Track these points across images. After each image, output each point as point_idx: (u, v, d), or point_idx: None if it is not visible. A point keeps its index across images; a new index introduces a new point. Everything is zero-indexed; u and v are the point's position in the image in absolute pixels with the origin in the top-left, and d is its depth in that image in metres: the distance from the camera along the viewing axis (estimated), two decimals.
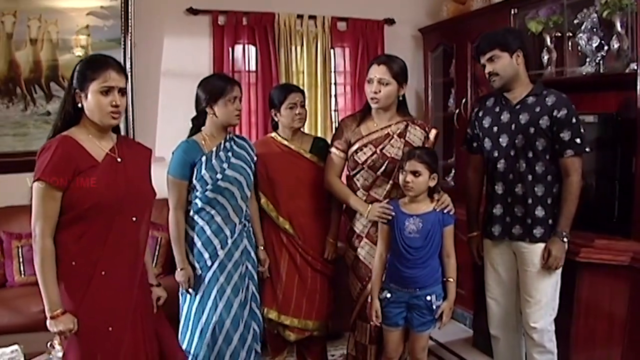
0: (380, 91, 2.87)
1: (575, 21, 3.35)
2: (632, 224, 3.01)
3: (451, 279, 2.78)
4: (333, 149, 3.05)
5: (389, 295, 2.77)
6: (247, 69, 4.55)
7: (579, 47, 3.36)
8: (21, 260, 3.71)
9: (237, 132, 4.43)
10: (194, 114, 2.95)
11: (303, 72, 4.67)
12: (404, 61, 2.98)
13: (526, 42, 2.90)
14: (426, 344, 2.86)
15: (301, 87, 4.52)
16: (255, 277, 3.00)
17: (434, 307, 2.72)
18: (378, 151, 2.90)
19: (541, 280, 2.77)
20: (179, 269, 2.82)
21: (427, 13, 4.95)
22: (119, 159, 2.22)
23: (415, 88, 5.06)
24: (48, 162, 2.04)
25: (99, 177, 2.12)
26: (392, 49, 4.85)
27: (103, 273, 2.12)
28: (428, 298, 2.72)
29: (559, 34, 3.54)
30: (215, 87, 2.83)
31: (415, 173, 2.67)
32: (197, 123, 2.92)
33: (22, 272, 3.69)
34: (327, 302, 3.19)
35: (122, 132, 4.18)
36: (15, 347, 2.76)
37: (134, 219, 2.21)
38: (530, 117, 2.74)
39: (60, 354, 2.67)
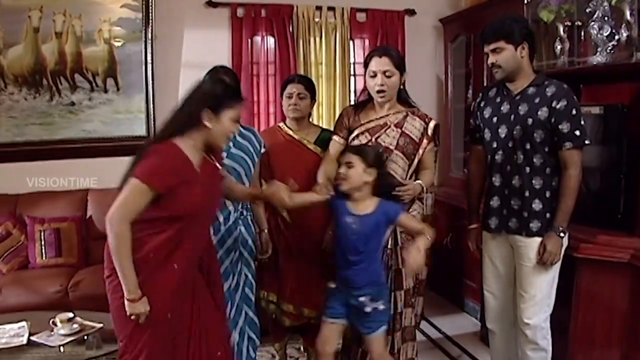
0: (386, 84, 2.85)
1: (588, 9, 3.26)
2: (637, 219, 2.93)
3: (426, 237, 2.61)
4: (334, 136, 3.07)
5: (333, 285, 2.74)
6: (265, 60, 4.62)
7: (592, 37, 3.28)
8: (43, 243, 3.92)
9: (256, 122, 4.58)
10: None
11: (321, 64, 4.72)
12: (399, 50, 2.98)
13: (533, 33, 2.81)
14: (381, 351, 2.72)
15: (319, 78, 4.67)
16: (252, 264, 3.06)
17: (368, 309, 2.61)
18: (373, 140, 2.90)
19: (537, 275, 2.72)
20: None
21: (448, 3, 4.91)
22: (213, 175, 2.37)
23: (436, 80, 5.04)
24: (158, 169, 2.15)
25: (198, 189, 2.24)
26: (412, 40, 4.88)
27: (175, 266, 2.23)
28: (361, 299, 2.62)
29: (571, 23, 3.46)
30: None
31: (349, 164, 2.61)
32: None
33: (44, 255, 3.91)
34: (325, 291, 3.21)
35: (144, 125, 4.46)
36: (23, 323, 2.93)
37: (210, 218, 2.41)
38: (529, 108, 2.68)
39: (62, 332, 2.85)
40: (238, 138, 2.97)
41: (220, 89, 2.30)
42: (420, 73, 4.93)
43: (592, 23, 3.19)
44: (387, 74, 2.85)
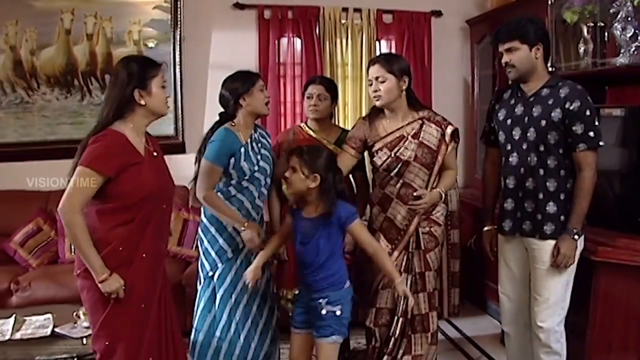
0: (380, 89, 2.88)
1: (611, 10, 3.23)
2: None
3: (385, 263, 2.66)
4: (344, 146, 3.07)
5: (297, 292, 2.79)
6: (292, 61, 4.68)
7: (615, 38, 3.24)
8: None
9: (282, 122, 4.64)
10: None
11: (348, 65, 4.75)
12: (401, 56, 3.00)
13: (548, 34, 2.80)
14: (328, 357, 2.61)
15: (345, 79, 4.72)
16: None
17: (324, 311, 2.58)
18: (392, 155, 2.91)
19: (550, 278, 2.69)
20: (242, 230, 2.85)
21: (475, 4, 4.87)
22: (155, 154, 2.44)
23: (462, 81, 5.02)
24: (99, 153, 2.21)
25: (147, 170, 2.34)
26: (439, 41, 4.88)
27: (144, 255, 2.33)
28: (320, 301, 2.59)
29: (594, 24, 3.41)
30: (246, 79, 2.95)
31: (293, 168, 2.58)
32: (224, 118, 3.02)
33: (73, 250, 3.97)
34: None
35: (172, 125, 4.55)
36: (48, 315, 3.05)
37: (164, 206, 2.44)
38: (542, 110, 2.67)
39: (85, 324, 2.93)
40: (261, 138, 3.02)
41: (137, 65, 2.34)
42: (446, 74, 4.96)
43: (616, 24, 3.15)
44: (379, 79, 2.88)
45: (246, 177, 2.90)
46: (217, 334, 2.91)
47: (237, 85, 2.93)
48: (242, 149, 2.89)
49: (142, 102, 2.32)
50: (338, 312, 2.59)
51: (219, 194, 2.94)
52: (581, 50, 3.48)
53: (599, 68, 3.33)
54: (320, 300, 2.58)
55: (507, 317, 2.98)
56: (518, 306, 2.91)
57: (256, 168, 2.91)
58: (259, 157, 2.94)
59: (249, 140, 2.94)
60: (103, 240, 2.24)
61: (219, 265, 2.92)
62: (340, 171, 2.69)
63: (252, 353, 2.91)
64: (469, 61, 4.85)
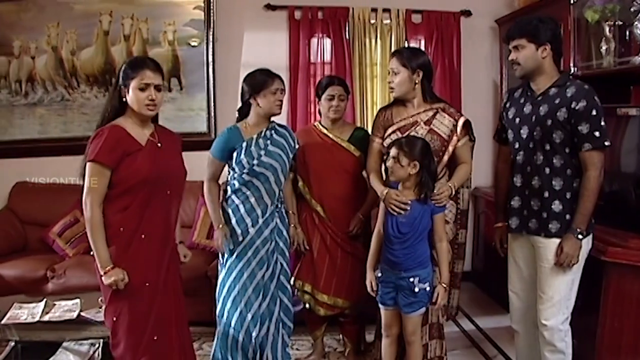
0: (393, 81, 2.99)
1: (632, 9, 3.20)
2: None
3: (443, 262, 2.87)
4: (372, 137, 3.19)
5: (379, 274, 2.92)
6: (322, 61, 4.78)
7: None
8: None
9: (312, 120, 4.73)
10: None
11: (377, 64, 4.82)
12: (421, 50, 3.09)
13: (560, 35, 2.78)
14: (415, 328, 2.89)
15: (374, 79, 4.79)
16: (287, 253, 3.21)
17: (416, 289, 2.80)
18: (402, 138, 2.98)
19: (554, 277, 2.70)
20: (215, 228, 3.11)
21: (504, 3, 4.84)
22: (159, 144, 2.61)
23: (492, 81, 5.01)
24: (101, 146, 2.42)
25: (143, 158, 2.51)
26: (468, 41, 4.89)
27: (143, 236, 2.51)
28: (411, 280, 2.79)
29: (614, 22, 3.39)
30: (259, 81, 3.07)
31: (394, 158, 2.79)
32: (242, 113, 3.18)
33: None
34: (358, 283, 3.28)
35: (205, 122, 4.69)
36: (76, 301, 3.23)
37: (168, 192, 2.61)
38: (549, 109, 2.68)
39: None
40: (274, 136, 3.12)
41: (126, 65, 2.53)
42: (475, 74, 4.97)
43: (637, 22, 3.13)
44: (394, 70, 2.99)
45: (246, 171, 3.02)
46: (224, 320, 3.06)
47: (252, 85, 3.06)
48: (244, 144, 3.03)
49: (124, 99, 2.51)
50: (428, 288, 2.85)
51: (227, 187, 3.12)
52: (603, 49, 3.47)
53: (618, 67, 3.31)
54: (412, 279, 2.82)
55: (516, 315, 3.00)
56: (527, 304, 2.93)
57: (255, 162, 3.01)
58: (262, 152, 3.04)
59: (254, 137, 3.06)
60: (107, 222, 2.44)
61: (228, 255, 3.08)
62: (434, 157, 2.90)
63: (254, 341, 3.04)
64: (498, 61, 4.85)
